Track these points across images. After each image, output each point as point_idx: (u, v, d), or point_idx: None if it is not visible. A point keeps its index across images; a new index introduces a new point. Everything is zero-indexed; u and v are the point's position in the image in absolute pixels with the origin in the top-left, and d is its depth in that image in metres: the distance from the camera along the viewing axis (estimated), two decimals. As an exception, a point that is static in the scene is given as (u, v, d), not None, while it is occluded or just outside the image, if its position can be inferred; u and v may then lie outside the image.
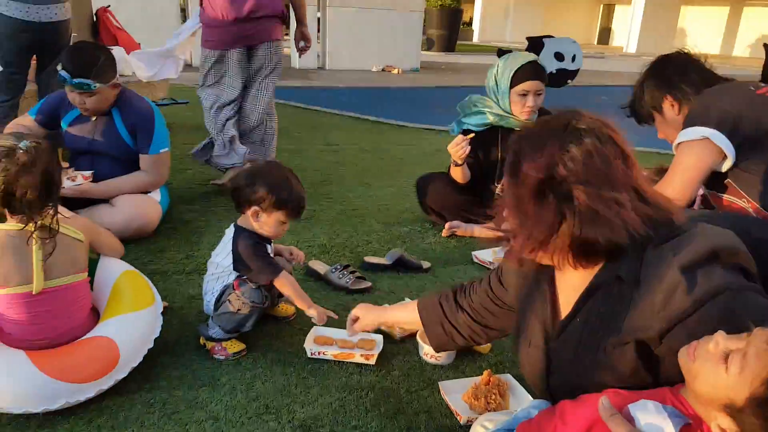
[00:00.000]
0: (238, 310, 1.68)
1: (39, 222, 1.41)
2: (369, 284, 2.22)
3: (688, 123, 1.81)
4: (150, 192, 2.60)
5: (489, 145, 2.82)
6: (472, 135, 2.67)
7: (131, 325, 1.54)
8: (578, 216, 1.02)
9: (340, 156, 4.30)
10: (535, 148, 1.05)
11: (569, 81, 5.80)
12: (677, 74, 1.96)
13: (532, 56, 2.72)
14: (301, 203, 1.75)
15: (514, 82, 2.67)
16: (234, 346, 1.72)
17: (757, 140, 1.71)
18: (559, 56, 7.60)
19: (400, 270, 2.39)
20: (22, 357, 1.38)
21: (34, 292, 1.41)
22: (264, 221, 1.72)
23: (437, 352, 1.64)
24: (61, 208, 1.55)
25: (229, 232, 1.81)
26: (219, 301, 1.74)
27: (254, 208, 1.71)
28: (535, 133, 1.09)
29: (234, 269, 1.74)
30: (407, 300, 2.08)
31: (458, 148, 2.62)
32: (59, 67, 2.30)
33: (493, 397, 1.57)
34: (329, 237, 2.70)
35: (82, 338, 1.47)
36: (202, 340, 1.74)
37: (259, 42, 3.08)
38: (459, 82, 9.59)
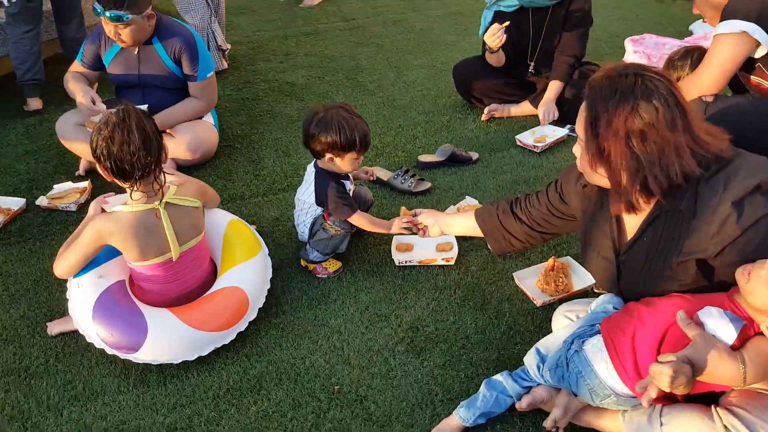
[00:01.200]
0: (333, 236, 1.94)
1: (163, 200, 1.61)
2: (429, 185, 2.43)
3: (727, 15, 1.86)
4: (204, 117, 2.73)
5: (521, 26, 2.84)
6: (507, 23, 2.68)
7: (251, 271, 1.78)
8: (648, 163, 1.20)
9: (364, 35, 4.24)
10: (610, 107, 1.21)
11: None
12: None
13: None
14: (367, 139, 1.86)
15: None
16: (333, 265, 2.00)
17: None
18: None
19: (453, 164, 2.59)
20: (169, 315, 1.62)
21: (174, 260, 1.65)
22: (339, 163, 1.88)
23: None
24: (175, 173, 1.73)
25: (311, 170, 1.98)
26: (312, 230, 1.98)
27: (328, 155, 1.86)
28: (607, 93, 1.23)
29: (318, 204, 1.96)
30: (468, 198, 2.32)
31: (494, 37, 2.66)
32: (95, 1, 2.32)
33: (561, 279, 1.86)
34: (379, 137, 2.85)
35: (213, 290, 1.72)
36: (303, 262, 2.02)
37: None
38: None
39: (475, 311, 1.82)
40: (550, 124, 2.79)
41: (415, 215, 1.86)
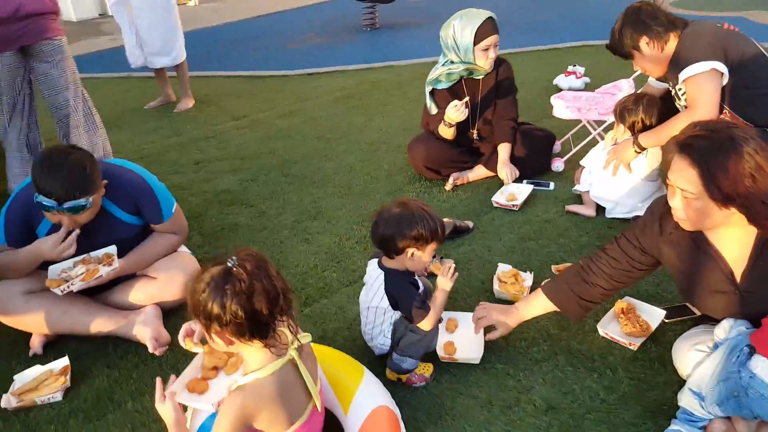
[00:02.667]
0: (425, 335, 1.79)
1: (296, 344, 1.34)
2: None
3: (688, 61, 2.20)
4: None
5: (459, 96, 3.02)
6: (467, 99, 2.85)
7: (377, 390, 1.59)
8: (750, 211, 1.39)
9: (268, 129, 4.11)
10: (721, 160, 1.37)
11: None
12: (649, 18, 2.33)
13: (487, 12, 2.86)
14: (444, 226, 1.81)
15: (477, 39, 2.82)
16: (427, 369, 1.83)
17: (741, 63, 2.18)
18: None
19: (454, 236, 2.59)
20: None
21: (319, 409, 1.37)
22: (419, 257, 1.76)
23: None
24: None
25: (375, 273, 1.82)
26: (395, 336, 1.81)
27: (411, 250, 1.74)
28: (712, 149, 1.39)
29: (393, 308, 1.81)
30: (501, 265, 2.32)
31: (459, 112, 2.80)
32: (35, 194, 1.84)
33: (640, 318, 1.95)
34: (360, 227, 2.74)
35: (360, 420, 1.48)
36: (392, 376, 1.82)
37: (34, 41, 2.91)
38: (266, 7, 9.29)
39: (590, 372, 1.80)
40: (512, 182, 2.96)
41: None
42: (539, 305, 1.86)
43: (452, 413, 1.69)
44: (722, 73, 2.18)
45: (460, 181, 3.06)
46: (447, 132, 2.98)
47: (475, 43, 2.83)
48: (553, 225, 2.62)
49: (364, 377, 1.63)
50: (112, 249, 2.08)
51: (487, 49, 2.87)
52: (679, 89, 2.37)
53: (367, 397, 1.55)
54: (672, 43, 2.34)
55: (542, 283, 1.92)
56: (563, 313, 1.83)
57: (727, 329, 1.60)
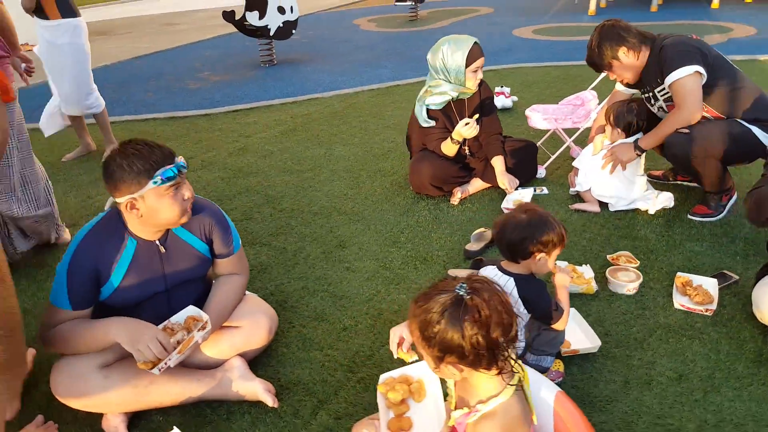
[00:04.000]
0: (558, 333, 1.86)
1: (520, 369, 1.33)
2: (565, 263, 2.45)
3: (673, 66, 2.58)
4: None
5: (450, 116, 3.18)
6: (477, 115, 3.02)
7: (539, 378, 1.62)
8: None
9: (227, 169, 3.88)
10: None
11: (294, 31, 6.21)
12: (624, 32, 2.71)
13: (472, 38, 3.07)
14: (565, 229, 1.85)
15: (468, 62, 3.01)
16: (559, 365, 1.91)
17: (714, 66, 2.62)
18: (281, 10, 7.97)
19: (493, 245, 2.70)
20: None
21: (535, 423, 1.36)
22: (544, 261, 1.83)
23: None
24: None
25: (499, 279, 1.85)
26: (527, 338, 1.86)
27: (540, 255, 1.79)
28: None
29: (528, 312, 1.85)
30: (559, 263, 2.46)
31: (472, 129, 2.96)
32: (149, 171, 1.65)
33: (701, 288, 2.20)
34: (397, 248, 2.74)
35: None
36: (530, 377, 1.86)
37: None
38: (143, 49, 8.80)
39: (689, 339, 2.01)
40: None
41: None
42: None
43: (604, 398, 1.79)
44: (702, 75, 2.59)
45: (464, 194, 3.20)
46: (452, 149, 3.11)
47: (466, 66, 3.02)
48: (570, 223, 2.85)
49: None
50: (193, 310, 1.87)
51: (476, 71, 3.07)
52: (660, 91, 2.75)
53: (539, 391, 1.57)
54: (644, 53, 2.73)
55: None
56: None
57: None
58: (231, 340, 1.94)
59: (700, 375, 1.86)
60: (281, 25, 7.02)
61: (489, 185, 3.25)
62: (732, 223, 2.72)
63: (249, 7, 6.64)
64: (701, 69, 2.56)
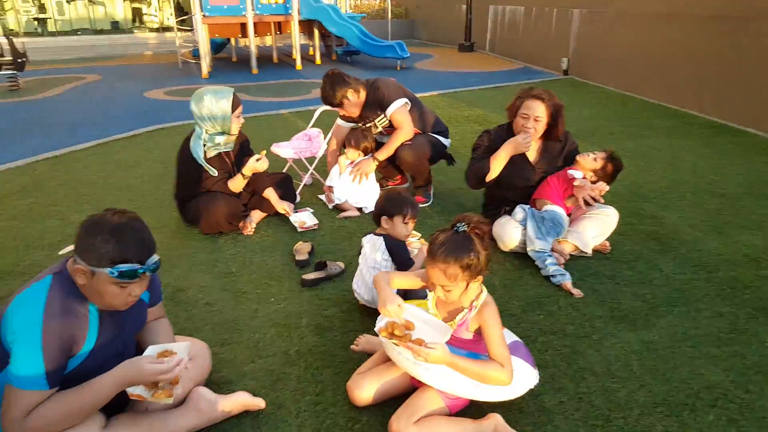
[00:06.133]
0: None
1: None
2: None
3: (390, 101, 3.72)
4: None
5: (222, 158, 3.56)
6: (265, 151, 3.44)
7: None
8: None
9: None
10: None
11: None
12: (347, 78, 3.76)
13: (230, 88, 3.54)
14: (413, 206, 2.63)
15: (233, 108, 3.46)
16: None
17: (410, 97, 3.87)
18: None
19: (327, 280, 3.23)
20: None
21: None
22: (391, 227, 2.59)
23: None
24: None
25: (374, 239, 2.58)
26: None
27: (389, 223, 2.57)
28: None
29: (392, 259, 2.57)
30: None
31: (264, 162, 3.47)
32: (111, 269, 1.58)
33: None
34: (260, 278, 2.97)
35: None
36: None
37: None
38: None
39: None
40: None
41: None
42: None
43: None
44: (408, 104, 3.80)
45: (251, 225, 3.59)
46: (242, 184, 3.49)
47: (232, 111, 3.46)
48: (344, 228, 3.63)
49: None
50: (159, 347, 1.85)
51: (239, 116, 3.54)
52: (380, 120, 3.85)
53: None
54: (363, 92, 3.80)
55: None
56: None
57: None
58: (188, 374, 1.99)
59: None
60: None
61: (265, 214, 3.73)
62: (436, 204, 4.01)
63: None
64: (408, 101, 3.76)
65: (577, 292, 2.76)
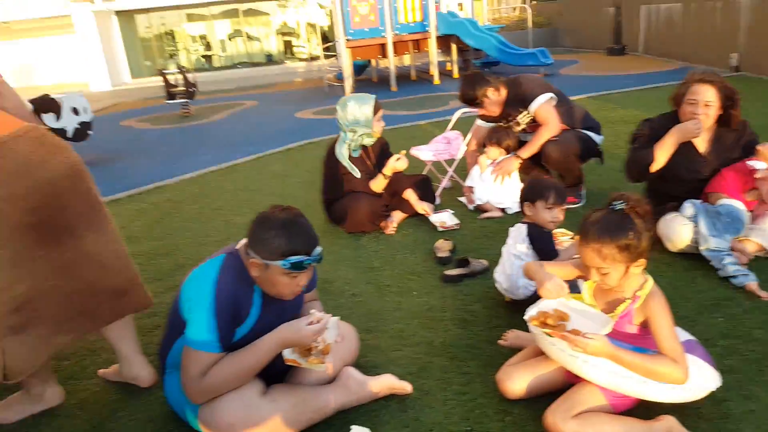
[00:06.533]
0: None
1: None
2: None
3: (534, 95, 3.55)
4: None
5: (363, 161, 3.67)
6: (404, 152, 3.51)
7: None
8: None
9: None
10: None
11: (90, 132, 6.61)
12: (486, 77, 3.66)
13: (371, 95, 3.65)
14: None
15: (375, 111, 3.56)
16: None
17: (556, 92, 3.68)
18: (75, 111, 7.83)
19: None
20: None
21: None
22: (534, 213, 2.48)
23: None
24: None
25: (518, 227, 2.48)
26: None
27: (539, 203, 2.45)
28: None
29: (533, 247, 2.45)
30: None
31: (403, 162, 3.53)
32: (282, 261, 1.69)
33: None
34: (402, 273, 3.00)
35: None
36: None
37: None
38: None
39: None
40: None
41: None
42: None
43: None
44: (554, 99, 3.61)
45: (392, 224, 3.63)
46: (383, 184, 3.56)
47: (373, 114, 3.55)
48: (487, 228, 3.52)
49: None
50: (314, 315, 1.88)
51: (380, 119, 3.62)
52: (523, 117, 3.69)
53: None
54: (503, 90, 3.67)
55: None
56: None
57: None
58: (338, 353, 2.01)
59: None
60: (78, 126, 6.55)
61: (406, 215, 3.75)
62: (589, 205, 3.73)
63: (42, 110, 6.07)
64: (553, 95, 3.57)
65: (765, 295, 2.37)
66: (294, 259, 1.69)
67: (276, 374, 1.85)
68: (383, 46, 11.06)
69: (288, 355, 1.73)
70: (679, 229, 2.80)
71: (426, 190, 3.85)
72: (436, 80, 11.53)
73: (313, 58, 21.23)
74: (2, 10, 19.08)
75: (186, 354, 1.69)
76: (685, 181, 2.94)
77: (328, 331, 1.81)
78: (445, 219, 3.62)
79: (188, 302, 1.73)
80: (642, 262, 1.68)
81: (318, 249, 1.77)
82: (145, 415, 2.02)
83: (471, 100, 3.71)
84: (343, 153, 3.58)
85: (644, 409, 1.72)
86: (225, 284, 1.71)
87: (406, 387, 1.97)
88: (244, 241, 1.82)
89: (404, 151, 3.61)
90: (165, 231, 4.02)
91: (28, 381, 2.05)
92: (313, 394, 1.84)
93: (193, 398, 1.70)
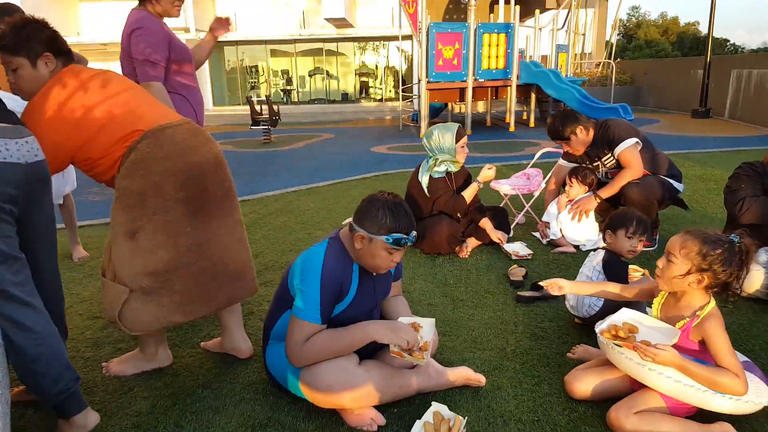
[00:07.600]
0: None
1: None
2: None
3: (621, 140, 3.69)
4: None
5: (450, 182, 3.91)
6: (493, 166, 3.83)
7: None
8: None
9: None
10: None
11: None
12: (578, 116, 3.83)
13: (456, 123, 3.92)
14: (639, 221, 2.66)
15: (457, 140, 3.82)
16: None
17: (642, 139, 3.81)
18: None
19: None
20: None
21: None
22: (613, 241, 2.63)
23: None
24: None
25: (598, 252, 2.63)
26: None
27: (620, 232, 2.59)
28: None
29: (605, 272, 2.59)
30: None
31: (493, 171, 3.88)
32: (387, 236, 1.92)
33: None
34: (475, 291, 3.19)
35: None
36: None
37: None
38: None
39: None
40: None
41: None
42: None
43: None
44: (640, 144, 3.74)
45: (467, 249, 3.82)
46: (474, 190, 3.85)
47: (456, 142, 3.80)
48: (561, 262, 3.65)
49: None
50: (413, 319, 2.17)
51: (463, 147, 3.86)
52: (606, 159, 3.84)
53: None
54: (592, 131, 3.83)
55: None
56: None
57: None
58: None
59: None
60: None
61: (480, 243, 3.94)
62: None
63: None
64: (639, 141, 3.71)
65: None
66: (396, 235, 1.92)
67: (368, 352, 2.07)
68: (462, 90, 11.43)
69: (394, 348, 1.96)
70: (752, 273, 2.86)
71: (502, 221, 4.04)
72: (512, 127, 11.75)
73: (387, 100, 22.01)
74: (100, 33, 21.03)
75: (292, 321, 1.95)
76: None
77: (426, 331, 2.07)
78: (518, 249, 3.79)
79: (299, 277, 1.99)
80: (706, 281, 1.81)
81: (414, 232, 2.00)
82: (246, 380, 2.28)
83: (559, 135, 3.87)
84: (423, 178, 3.83)
85: (700, 417, 1.83)
86: (330, 261, 1.96)
87: (480, 379, 2.14)
88: (343, 229, 2.08)
89: (493, 165, 3.85)
90: (251, 238, 4.37)
91: (145, 340, 2.36)
92: (399, 373, 2.05)
93: (293, 360, 1.94)
